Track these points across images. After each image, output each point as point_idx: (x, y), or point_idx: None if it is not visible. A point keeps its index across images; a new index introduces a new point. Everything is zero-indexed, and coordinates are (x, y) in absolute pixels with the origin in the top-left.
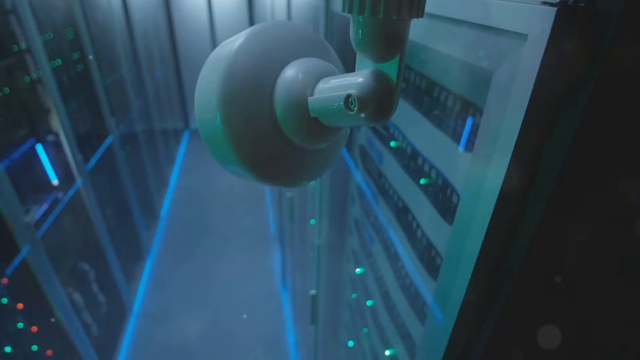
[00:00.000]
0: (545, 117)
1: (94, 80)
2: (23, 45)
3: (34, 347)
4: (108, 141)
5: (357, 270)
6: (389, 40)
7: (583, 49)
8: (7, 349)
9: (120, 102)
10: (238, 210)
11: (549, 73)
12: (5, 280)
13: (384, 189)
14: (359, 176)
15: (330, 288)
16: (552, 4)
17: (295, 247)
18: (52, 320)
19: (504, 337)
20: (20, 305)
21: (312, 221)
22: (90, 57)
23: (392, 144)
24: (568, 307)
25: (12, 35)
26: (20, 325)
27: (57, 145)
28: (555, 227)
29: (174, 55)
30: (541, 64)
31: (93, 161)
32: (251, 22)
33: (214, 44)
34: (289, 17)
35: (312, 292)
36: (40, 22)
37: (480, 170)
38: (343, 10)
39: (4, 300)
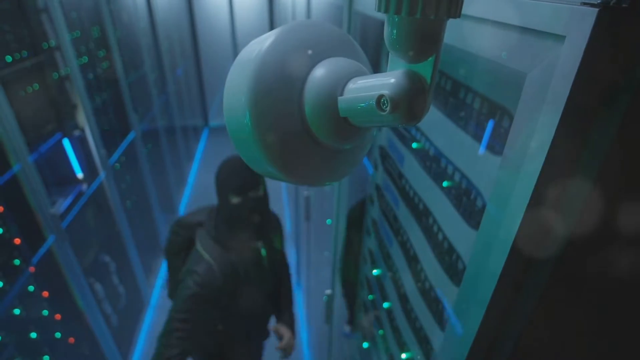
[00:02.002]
0: (582, 122)
1: (118, 78)
2: (53, 43)
3: (57, 335)
4: (130, 137)
5: (374, 271)
6: (424, 40)
7: (624, 52)
8: (33, 335)
9: (142, 99)
10: None
11: (587, 76)
12: (32, 269)
13: (404, 191)
14: (377, 177)
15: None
16: (592, 5)
17: (311, 247)
18: (75, 309)
19: (527, 349)
20: (45, 294)
21: (329, 221)
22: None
23: (414, 145)
24: (596, 322)
25: (43, 33)
26: (45, 312)
27: (82, 139)
28: (588, 237)
29: (195, 53)
30: (579, 66)
31: (116, 156)
32: (271, 21)
33: (235, 42)
34: (309, 16)
35: (328, 291)
36: (69, 20)
37: (510, 176)
38: (379, 10)
39: (31, 288)
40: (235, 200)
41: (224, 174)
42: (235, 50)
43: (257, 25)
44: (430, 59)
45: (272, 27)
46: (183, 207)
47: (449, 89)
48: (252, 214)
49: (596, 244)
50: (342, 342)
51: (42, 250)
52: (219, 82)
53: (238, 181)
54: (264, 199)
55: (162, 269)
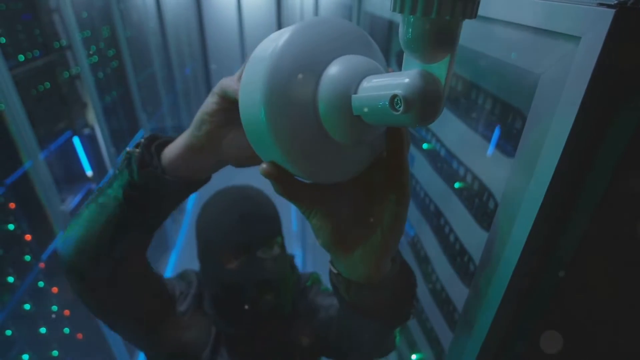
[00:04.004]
0: (597, 124)
1: (127, 76)
2: (64, 42)
3: (66, 330)
4: (139, 135)
5: None
6: (440, 41)
7: None
8: (42, 330)
9: (151, 98)
10: None
11: (602, 77)
12: (42, 265)
13: (414, 192)
14: None
15: None
16: (609, 5)
17: (317, 245)
18: (83, 305)
19: (538, 352)
20: (55, 289)
21: None
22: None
23: (425, 146)
24: (609, 328)
25: (55, 32)
26: (54, 308)
27: (92, 138)
28: (602, 242)
29: (203, 53)
30: (595, 67)
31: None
32: (279, 21)
33: (243, 42)
34: (317, 15)
35: None
36: (80, 20)
37: (522, 178)
38: (394, 10)
39: (41, 284)
40: (231, 264)
41: (209, 219)
42: (243, 51)
43: (265, 26)
44: (445, 59)
45: (279, 27)
46: (190, 205)
47: (461, 90)
48: (261, 290)
49: (611, 249)
50: None
51: (52, 247)
52: None
53: (237, 231)
54: (283, 260)
55: (169, 266)
